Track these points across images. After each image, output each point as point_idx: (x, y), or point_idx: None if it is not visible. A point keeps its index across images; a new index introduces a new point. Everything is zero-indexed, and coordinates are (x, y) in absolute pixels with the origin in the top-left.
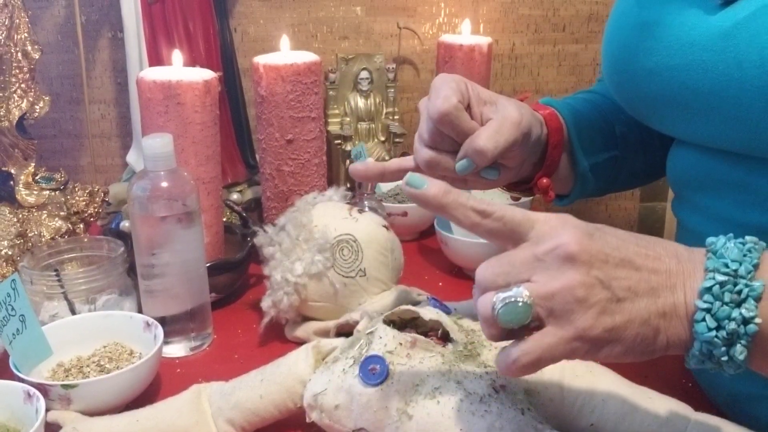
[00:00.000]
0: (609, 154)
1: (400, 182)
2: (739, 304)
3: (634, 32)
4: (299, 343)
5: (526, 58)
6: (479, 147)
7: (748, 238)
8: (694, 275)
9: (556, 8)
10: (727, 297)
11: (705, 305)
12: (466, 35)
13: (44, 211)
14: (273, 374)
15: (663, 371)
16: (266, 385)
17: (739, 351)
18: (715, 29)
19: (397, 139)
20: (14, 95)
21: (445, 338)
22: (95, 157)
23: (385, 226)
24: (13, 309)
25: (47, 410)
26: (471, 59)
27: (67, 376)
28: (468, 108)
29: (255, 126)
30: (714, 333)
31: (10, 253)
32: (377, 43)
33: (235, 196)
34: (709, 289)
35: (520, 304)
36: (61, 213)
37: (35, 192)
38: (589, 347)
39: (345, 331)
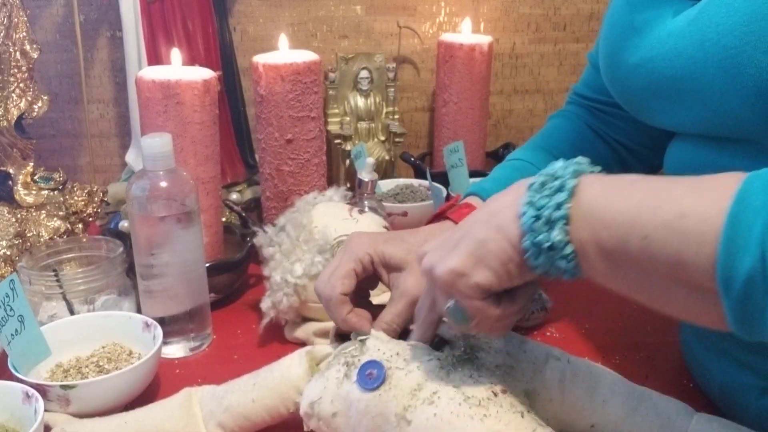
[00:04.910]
0: None
1: (399, 182)
2: (554, 193)
3: (623, 31)
4: (299, 344)
5: (526, 57)
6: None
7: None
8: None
9: (557, 7)
10: (546, 192)
11: (527, 199)
12: (466, 34)
13: (43, 211)
14: (266, 379)
15: (664, 371)
16: (258, 389)
17: (557, 233)
18: (686, 17)
19: (397, 139)
20: (13, 95)
21: (443, 342)
22: (94, 157)
23: (385, 227)
24: (11, 309)
25: (46, 411)
26: (471, 58)
27: (65, 377)
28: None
29: (254, 125)
30: (533, 219)
31: (8, 253)
32: (377, 42)
33: (234, 196)
34: (531, 186)
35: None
36: (60, 213)
37: (34, 192)
38: (457, 277)
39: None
